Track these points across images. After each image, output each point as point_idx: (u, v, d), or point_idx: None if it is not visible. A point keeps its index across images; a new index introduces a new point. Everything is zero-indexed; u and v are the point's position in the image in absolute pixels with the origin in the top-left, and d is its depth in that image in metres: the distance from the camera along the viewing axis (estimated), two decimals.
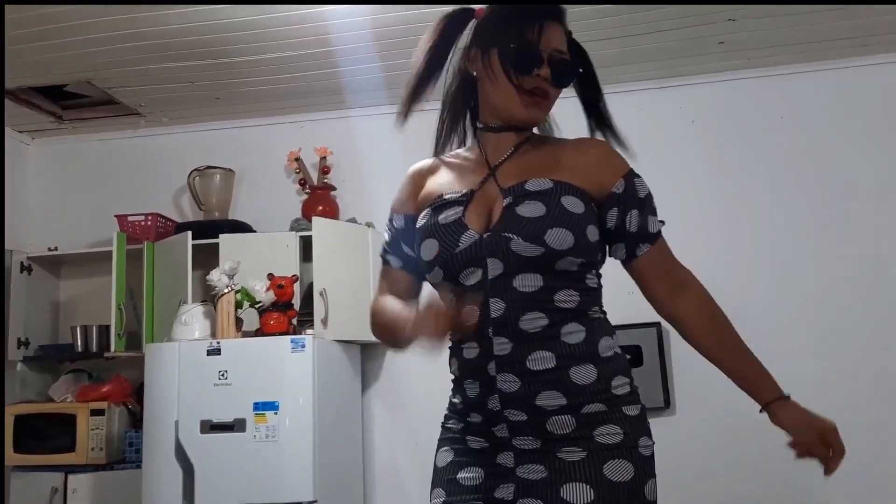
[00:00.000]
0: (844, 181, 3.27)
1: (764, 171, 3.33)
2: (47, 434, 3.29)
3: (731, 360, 1.46)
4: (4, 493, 3.08)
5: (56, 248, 3.65)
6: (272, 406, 2.82)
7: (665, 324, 3.50)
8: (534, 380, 1.28)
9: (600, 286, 1.40)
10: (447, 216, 1.37)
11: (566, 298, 1.31)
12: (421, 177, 1.49)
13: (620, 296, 3.37)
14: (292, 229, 3.42)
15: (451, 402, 1.43)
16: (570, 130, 1.52)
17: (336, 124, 3.65)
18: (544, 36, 1.38)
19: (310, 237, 3.24)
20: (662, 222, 1.43)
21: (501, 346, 1.30)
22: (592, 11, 2.81)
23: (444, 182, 1.44)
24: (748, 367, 1.50)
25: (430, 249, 1.37)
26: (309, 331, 3.03)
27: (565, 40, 1.43)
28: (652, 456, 1.34)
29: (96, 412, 3.30)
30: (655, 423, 3.41)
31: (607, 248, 1.42)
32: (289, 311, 3.04)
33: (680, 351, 3.28)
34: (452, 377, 1.41)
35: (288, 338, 2.92)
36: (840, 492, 3.06)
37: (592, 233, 1.34)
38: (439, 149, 1.50)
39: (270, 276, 3.03)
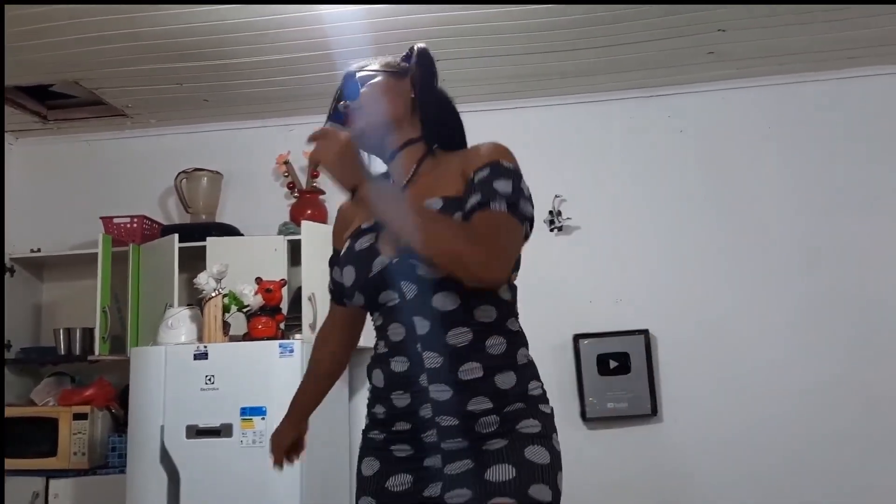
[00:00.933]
0: (831, 192, 3.30)
1: (751, 181, 3.36)
2: (28, 438, 3.24)
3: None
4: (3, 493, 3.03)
5: (39, 250, 3.60)
6: (260, 411, 2.80)
7: (653, 331, 3.54)
8: (464, 388, 1.37)
9: (514, 297, 1.46)
10: (362, 243, 1.45)
11: (485, 314, 1.40)
12: (347, 210, 1.61)
13: (607, 304, 3.42)
14: (280, 233, 3.40)
15: (370, 414, 1.49)
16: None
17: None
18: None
19: (298, 241, 3.22)
20: (511, 204, 1.35)
21: (432, 359, 1.39)
22: (584, 20, 2.83)
23: (362, 211, 1.48)
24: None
25: (349, 276, 1.46)
26: (297, 335, 3.00)
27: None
28: (560, 454, 1.42)
29: (79, 416, 3.26)
30: (643, 430, 3.47)
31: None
32: (277, 315, 3.02)
33: (667, 358, 3.30)
34: (373, 390, 1.48)
35: (276, 342, 2.90)
36: (826, 498, 3.09)
37: None
38: None
39: (258, 280, 3.00)
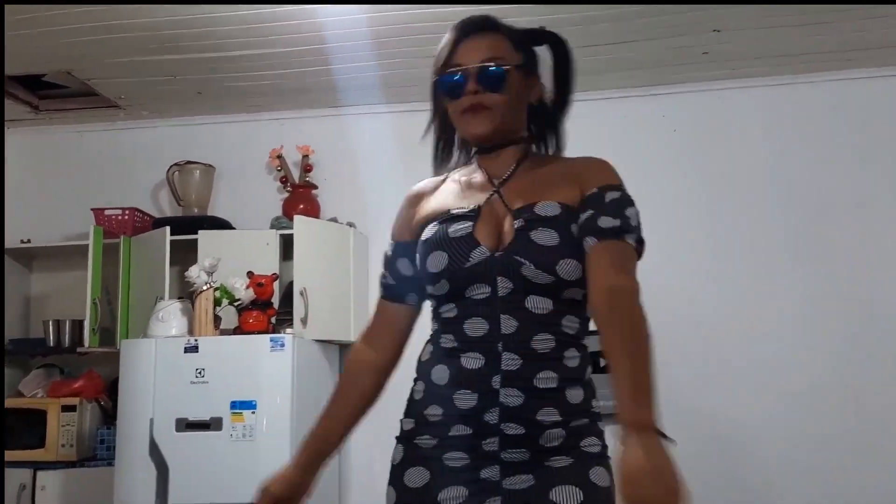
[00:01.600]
0: (822, 193, 3.31)
1: (744, 182, 3.37)
2: (16, 430, 3.22)
3: (615, 356, 1.26)
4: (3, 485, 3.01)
5: (29, 241, 3.58)
6: (250, 405, 2.79)
7: None
8: (537, 397, 1.31)
9: (590, 318, 1.42)
10: (456, 230, 1.37)
11: (570, 324, 1.36)
12: (418, 199, 1.49)
13: None
14: (273, 227, 3.39)
15: (420, 416, 1.37)
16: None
17: (319, 123, 3.63)
18: (461, 54, 1.41)
19: (290, 236, 3.22)
20: (621, 229, 1.34)
21: (511, 361, 1.31)
22: (580, 19, 2.83)
23: (448, 199, 1.44)
24: (630, 372, 1.27)
25: (438, 262, 1.37)
26: (288, 330, 3.00)
27: (496, 45, 1.42)
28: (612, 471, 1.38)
29: (67, 408, 3.24)
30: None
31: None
32: (268, 309, 3.02)
33: (658, 357, 3.29)
34: (427, 388, 1.38)
35: (267, 336, 2.89)
36: (810, 498, 3.10)
37: None
38: (438, 168, 1.52)
39: (250, 274, 3.00)
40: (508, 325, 1.32)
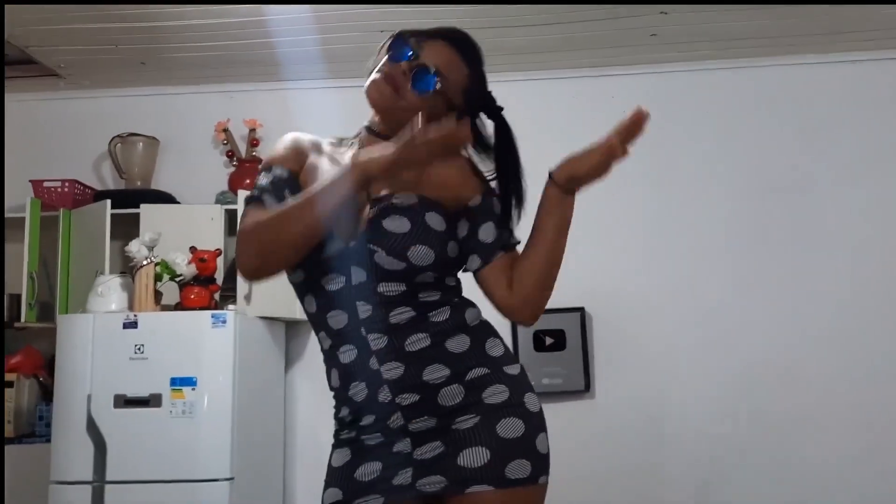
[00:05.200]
0: (763, 177, 3.37)
1: (689, 163, 3.42)
2: None
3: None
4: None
5: None
6: (190, 381, 2.76)
7: (588, 308, 3.59)
8: (415, 360, 1.35)
9: (459, 283, 1.46)
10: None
11: (428, 297, 1.39)
12: (305, 148, 1.46)
13: None
14: (218, 202, 3.34)
15: (337, 421, 1.43)
16: None
17: (267, 96, 3.57)
18: (429, 46, 1.43)
19: (235, 211, 3.17)
20: (519, 241, 1.46)
21: (376, 340, 1.36)
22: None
23: (320, 177, 1.42)
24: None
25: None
26: (231, 306, 2.97)
27: (454, 67, 1.44)
28: (541, 411, 1.40)
29: (5, 384, 3.17)
30: (576, 406, 3.52)
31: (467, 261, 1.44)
32: (211, 285, 2.98)
33: (602, 336, 3.35)
34: (334, 393, 1.43)
35: (209, 312, 2.86)
36: (749, 475, 3.19)
37: (452, 249, 1.41)
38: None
39: (193, 250, 2.96)
40: (364, 309, 1.36)
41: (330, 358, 1.42)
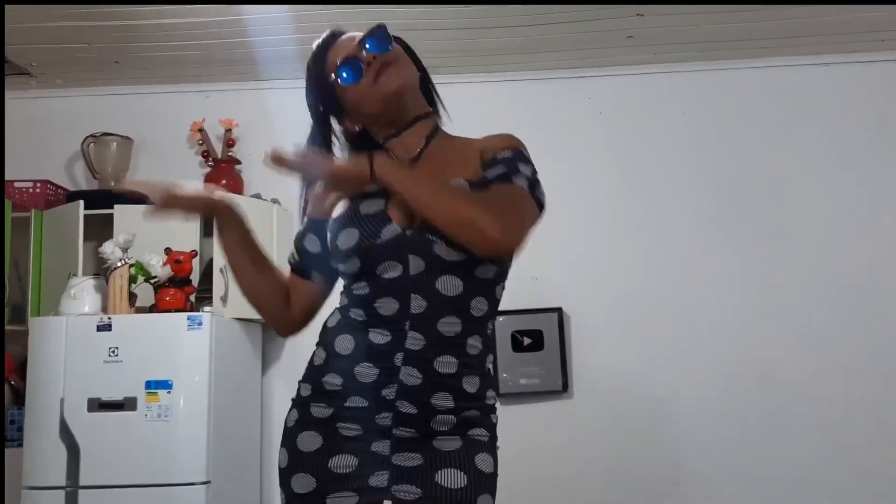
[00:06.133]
0: (737, 176, 3.41)
1: (665, 164, 3.45)
2: None
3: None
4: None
5: None
6: (165, 385, 2.74)
7: (566, 309, 3.60)
8: (435, 380, 1.34)
9: (499, 300, 1.44)
10: (368, 206, 1.37)
11: (479, 307, 1.37)
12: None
13: (523, 282, 3.42)
14: None
15: (318, 384, 1.38)
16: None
17: (243, 96, 3.55)
18: (338, 48, 1.42)
19: None
20: (532, 183, 1.38)
21: (415, 341, 1.34)
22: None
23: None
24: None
25: (348, 239, 1.36)
26: (207, 308, 2.94)
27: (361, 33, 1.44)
28: (498, 459, 1.42)
29: None
30: (553, 406, 3.53)
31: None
32: (186, 287, 2.95)
33: (580, 336, 3.37)
34: (329, 357, 1.38)
35: (184, 314, 2.83)
36: (723, 468, 3.23)
37: None
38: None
39: (168, 251, 2.92)
40: (418, 304, 1.33)
41: (354, 328, 1.37)
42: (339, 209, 1.40)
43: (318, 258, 1.46)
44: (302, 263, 1.49)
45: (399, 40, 1.46)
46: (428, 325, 1.33)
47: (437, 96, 1.50)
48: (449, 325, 1.34)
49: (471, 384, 1.37)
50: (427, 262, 1.33)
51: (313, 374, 1.41)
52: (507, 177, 1.35)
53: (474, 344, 1.37)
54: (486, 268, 1.36)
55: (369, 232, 1.35)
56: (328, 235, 1.42)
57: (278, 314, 1.51)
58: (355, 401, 1.35)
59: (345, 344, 1.38)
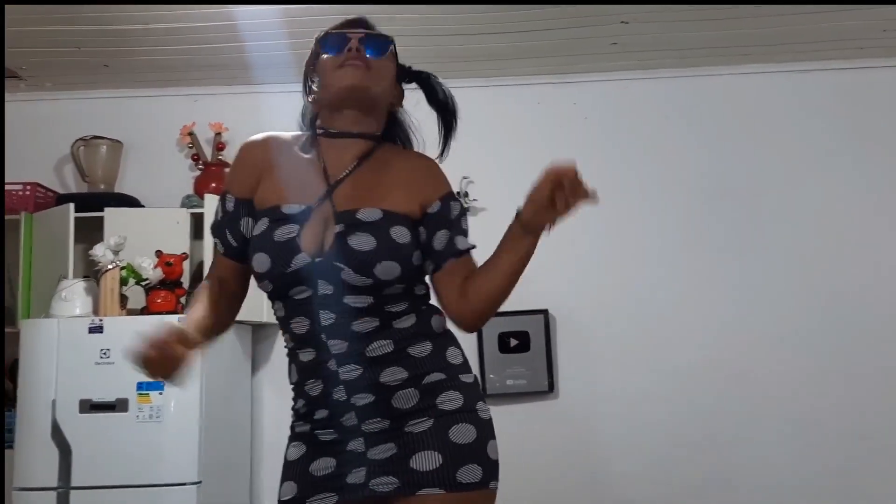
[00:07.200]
0: (717, 181, 3.48)
1: (648, 168, 3.51)
2: None
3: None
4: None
5: None
6: (157, 386, 2.75)
7: (552, 310, 3.65)
8: (374, 363, 1.38)
9: (428, 291, 1.48)
10: (282, 233, 1.39)
11: (395, 307, 1.41)
12: (256, 163, 1.47)
13: None
14: (183, 206, 3.33)
15: (294, 412, 1.47)
16: None
17: (233, 99, 3.57)
18: (348, 26, 1.49)
19: (202, 214, 3.17)
20: (473, 246, 1.49)
21: (337, 345, 1.38)
22: (495, 6, 2.87)
23: (283, 185, 1.44)
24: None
25: (262, 263, 1.40)
26: None
27: (382, 35, 1.51)
28: (490, 419, 1.44)
29: None
30: (540, 407, 3.58)
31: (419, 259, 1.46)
32: (177, 289, 2.98)
33: (565, 337, 3.43)
34: (292, 386, 1.46)
35: (176, 316, 2.85)
36: (705, 467, 3.29)
37: (417, 258, 1.44)
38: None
39: (159, 253, 2.95)
40: (326, 317, 1.37)
41: (291, 355, 1.45)
42: (258, 230, 1.42)
43: (233, 248, 1.49)
44: (240, 249, 1.48)
45: (410, 72, 1.55)
46: (342, 331, 1.37)
47: (411, 132, 1.57)
48: (363, 324, 1.38)
49: (419, 349, 1.40)
50: (335, 285, 1.37)
51: (292, 405, 1.48)
52: (470, 249, 1.47)
53: (405, 318, 1.40)
54: (394, 288, 1.39)
55: (280, 260, 1.38)
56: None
57: (236, 309, 1.54)
58: (320, 413, 1.41)
59: (293, 371, 1.45)
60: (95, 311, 2.91)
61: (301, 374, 1.42)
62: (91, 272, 3.05)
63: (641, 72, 3.51)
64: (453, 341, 1.46)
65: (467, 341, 3.42)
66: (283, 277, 1.38)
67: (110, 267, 2.89)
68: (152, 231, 3.16)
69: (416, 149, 1.57)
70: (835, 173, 3.46)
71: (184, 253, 3.03)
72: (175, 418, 2.77)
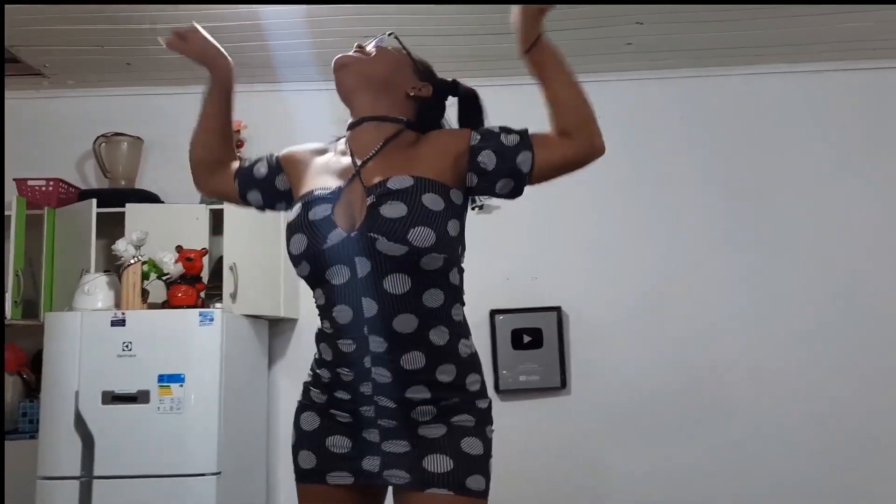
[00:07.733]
0: (735, 180, 3.51)
1: (662, 168, 3.54)
2: None
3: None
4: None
5: None
6: (178, 378, 2.81)
7: (565, 308, 3.68)
8: (405, 377, 1.41)
9: (462, 282, 1.50)
10: (316, 212, 1.43)
11: (433, 298, 1.42)
12: (311, 155, 1.58)
13: (523, 281, 3.55)
14: (203, 202, 3.38)
15: (315, 374, 1.50)
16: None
17: (252, 98, 3.58)
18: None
19: (221, 210, 3.22)
20: (524, 129, 1.50)
21: (376, 343, 1.41)
22: (507, 8, 2.90)
23: (316, 177, 1.51)
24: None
25: (298, 244, 1.43)
26: (217, 304, 3.02)
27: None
28: (492, 442, 1.48)
29: None
30: (552, 403, 3.62)
31: (502, 188, 1.47)
32: (197, 284, 3.03)
33: (578, 334, 3.46)
34: (319, 356, 1.49)
35: (197, 310, 2.91)
36: (712, 464, 3.32)
37: (453, 227, 1.42)
38: None
39: (179, 249, 3.01)
40: (369, 307, 1.40)
41: (327, 338, 1.46)
42: (292, 215, 1.47)
43: (258, 183, 1.60)
44: (248, 177, 1.61)
45: (424, 66, 1.60)
46: (384, 326, 1.39)
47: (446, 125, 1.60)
48: (404, 323, 1.40)
49: (445, 373, 1.42)
50: (372, 262, 1.38)
51: (314, 363, 1.52)
52: (524, 131, 1.48)
53: (438, 335, 1.42)
54: (431, 258, 1.38)
55: (317, 237, 1.41)
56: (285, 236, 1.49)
57: (200, 167, 1.67)
58: (341, 393, 1.46)
59: (326, 350, 1.48)
60: (117, 305, 2.96)
61: (335, 359, 1.44)
62: (113, 267, 3.10)
63: (656, 72, 3.53)
64: (475, 367, 1.48)
65: (482, 337, 3.48)
66: (320, 256, 1.40)
67: (132, 262, 2.94)
68: (172, 227, 3.22)
69: None
70: (850, 174, 3.48)
71: (203, 248, 3.08)
72: (195, 410, 2.82)
